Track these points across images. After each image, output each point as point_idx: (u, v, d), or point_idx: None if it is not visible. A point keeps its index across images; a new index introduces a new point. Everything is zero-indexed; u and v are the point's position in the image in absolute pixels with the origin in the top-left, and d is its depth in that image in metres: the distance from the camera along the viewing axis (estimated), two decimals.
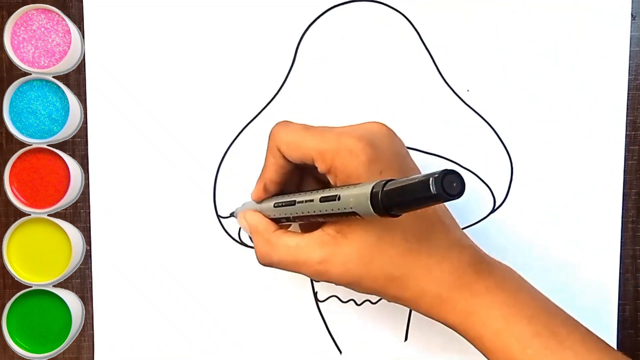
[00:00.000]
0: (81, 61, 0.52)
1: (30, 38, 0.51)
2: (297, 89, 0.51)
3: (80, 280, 0.53)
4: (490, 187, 0.52)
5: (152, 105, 0.52)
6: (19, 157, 0.51)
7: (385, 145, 0.39)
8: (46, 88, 0.52)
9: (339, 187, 0.38)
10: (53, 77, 0.51)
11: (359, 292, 0.40)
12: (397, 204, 0.33)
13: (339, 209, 0.36)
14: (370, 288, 0.40)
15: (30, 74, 0.51)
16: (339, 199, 0.36)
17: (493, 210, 0.52)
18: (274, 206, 0.42)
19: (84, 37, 0.51)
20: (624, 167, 0.52)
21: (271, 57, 0.51)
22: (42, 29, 0.51)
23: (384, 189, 0.33)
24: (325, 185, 0.41)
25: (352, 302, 0.52)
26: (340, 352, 0.53)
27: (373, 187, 0.34)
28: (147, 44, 0.51)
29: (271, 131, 0.41)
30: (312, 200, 0.39)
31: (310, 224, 0.42)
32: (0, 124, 0.52)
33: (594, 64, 0.51)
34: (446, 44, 0.51)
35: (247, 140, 0.52)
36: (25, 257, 0.52)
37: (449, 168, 0.31)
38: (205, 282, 0.52)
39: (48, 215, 0.52)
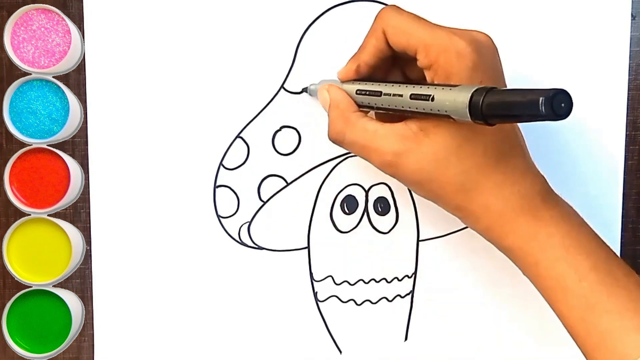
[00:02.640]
0: (81, 61, 0.52)
1: (30, 38, 0.51)
2: (297, 88, 0.51)
3: (80, 280, 0.53)
4: None
5: (152, 105, 0.52)
6: (19, 157, 0.51)
7: (489, 57, 0.39)
8: (46, 88, 0.52)
9: (432, 86, 0.37)
10: (53, 77, 0.51)
11: (419, 194, 0.40)
12: (497, 115, 0.32)
13: (431, 110, 0.36)
14: (435, 193, 0.40)
15: (30, 74, 0.51)
16: (432, 99, 0.36)
17: None
18: (357, 93, 0.41)
19: (84, 37, 0.51)
20: (624, 167, 0.52)
21: (271, 57, 0.51)
22: (42, 29, 0.51)
23: (486, 97, 0.32)
24: (410, 81, 0.41)
25: (352, 302, 0.52)
26: (340, 352, 0.53)
27: (473, 93, 0.33)
28: (147, 44, 0.51)
29: (379, 13, 0.41)
30: (401, 95, 0.38)
31: (388, 115, 0.42)
32: (0, 124, 0.52)
33: (594, 64, 0.51)
34: None
35: (248, 140, 0.52)
36: (25, 257, 0.52)
37: (558, 87, 0.30)
38: (205, 282, 0.52)
39: (48, 215, 0.52)
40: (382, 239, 0.52)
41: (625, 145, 0.52)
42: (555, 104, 0.30)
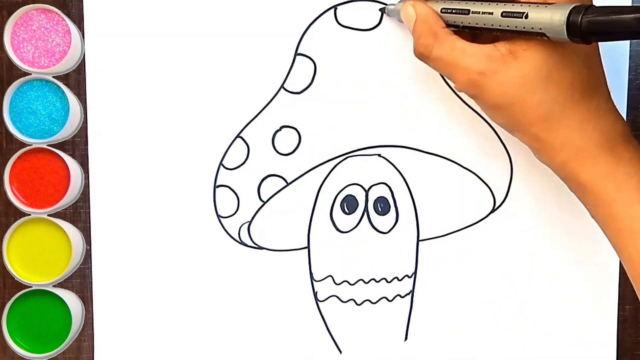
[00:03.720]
0: (81, 61, 0.52)
1: (30, 38, 0.51)
2: (298, 88, 0.51)
3: (80, 280, 0.53)
4: (490, 187, 0.52)
5: (152, 105, 0.52)
6: (19, 157, 0.51)
7: None
8: (46, 88, 0.52)
9: (524, 3, 0.36)
10: (53, 77, 0.51)
11: (498, 120, 0.40)
12: (596, 32, 0.32)
13: (524, 27, 0.35)
14: (515, 119, 0.39)
15: (30, 74, 0.51)
16: (526, 17, 0.35)
17: (493, 210, 0.52)
18: (442, 11, 0.41)
19: (84, 37, 0.51)
20: None
21: (271, 57, 0.51)
22: (42, 29, 0.51)
23: (585, 14, 0.32)
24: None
25: (352, 302, 0.52)
26: (340, 352, 0.53)
27: (571, 11, 0.33)
28: (147, 44, 0.51)
29: None
30: (491, 13, 0.37)
31: (475, 35, 0.41)
32: (0, 124, 0.52)
33: None
34: None
35: (248, 140, 0.52)
36: (25, 257, 0.52)
37: None
38: (205, 282, 0.52)
39: (48, 215, 0.52)
40: (382, 239, 0.52)
41: None
42: None
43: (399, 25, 0.51)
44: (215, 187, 0.52)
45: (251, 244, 0.52)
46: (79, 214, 0.52)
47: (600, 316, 0.52)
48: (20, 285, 0.52)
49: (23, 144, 0.51)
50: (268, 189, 0.52)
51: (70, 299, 0.52)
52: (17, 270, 0.52)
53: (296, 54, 0.51)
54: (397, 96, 0.51)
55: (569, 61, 0.37)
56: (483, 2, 0.39)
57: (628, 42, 0.51)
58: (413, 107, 0.51)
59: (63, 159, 0.51)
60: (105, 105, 0.52)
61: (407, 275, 0.52)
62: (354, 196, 0.52)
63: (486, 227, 0.52)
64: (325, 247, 0.52)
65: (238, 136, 0.52)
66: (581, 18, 0.33)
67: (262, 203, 0.52)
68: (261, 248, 0.52)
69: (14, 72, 0.51)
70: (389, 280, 0.52)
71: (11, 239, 0.52)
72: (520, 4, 0.37)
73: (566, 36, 0.33)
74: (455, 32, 0.41)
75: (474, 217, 0.52)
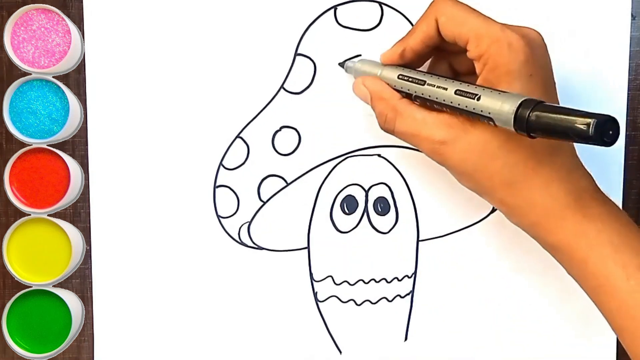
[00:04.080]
0: (81, 61, 0.52)
1: (30, 38, 0.51)
2: (297, 88, 0.51)
3: (80, 280, 0.53)
4: None
5: (152, 105, 0.52)
6: (19, 157, 0.51)
7: (540, 53, 0.39)
8: (46, 88, 0.52)
9: (479, 86, 0.37)
10: (53, 77, 0.51)
11: (466, 185, 0.41)
12: (541, 129, 0.32)
13: (474, 109, 0.36)
14: (480, 184, 0.40)
15: (30, 74, 0.51)
16: (478, 99, 0.36)
17: (493, 210, 0.52)
18: (399, 77, 0.41)
19: (84, 37, 0.51)
20: (624, 167, 0.52)
21: (271, 57, 0.51)
22: (42, 29, 0.51)
23: (533, 111, 0.32)
24: (453, 75, 0.41)
25: (352, 302, 0.53)
26: (340, 352, 0.53)
27: (520, 104, 0.33)
28: (147, 44, 0.51)
29: (433, 1, 0.41)
30: (445, 89, 0.38)
31: (424, 105, 0.42)
32: (0, 124, 0.52)
33: (594, 64, 0.51)
34: None
35: (248, 140, 0.52)
36: (25, 257, 0.52)
37: (607, 114, 0.30)
38: (205, 282, 0.52)
39: (48, 215, 0.52)
40: (382, 239, 0.52)
41: (625, 145, 0.52)
42: (604, 130, 0.30)
43: (398, 25, 0.51)
44: (215, 187, 0.52)
45: (251, 244, 0.52)
46: (79, 214, 0.52)
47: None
48: (20, 285, 0.52)
49: (23, 144, 0.51)
50: (268, 189, 0.52)
51: (70, 299, 0.52)
52: (17, 270, 0.52)
53: (296, 54, 0.51)
54: None
55: None
56: (440, 77, 0.40)
57: (628, 42, 0.51)
58: None
59: (63, 159, 0.51)
60: (105, 105, 0.52)
61: (407, 276, 0.52)
62: (353, 196, 0.52)
63: (486, 227, 0.52)
64: (325, 247, 0.52)
65: (238, 136, 0.52)
66: (529, 113, 0.33)
67: (262, 203, 0.52)
68: (261, 248, 0.52)
69: (14, 72, 0.51)
70: (388, 280, 0.52)
71: (11, 239, 0.52)
72: (475, 86, 0.37)
73: (512, 127, 0.34)
74: (412, 101, 0.42)
75: (474, 217, 0.52)
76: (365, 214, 0.52)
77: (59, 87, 0.51)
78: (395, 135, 0.42)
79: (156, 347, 0.53)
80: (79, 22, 0.52)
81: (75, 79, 0.52)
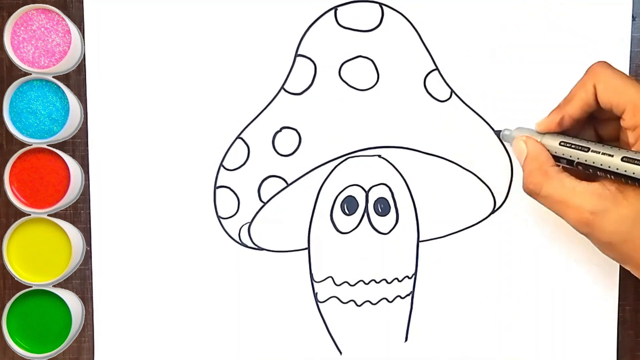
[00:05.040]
0: (81, 61, 0.52)
1: (30, 38, 0.51)
2: (298, 89, 0.51)
3: (80, 280, 0.53)
4: (490, 187, 0.52)
5: (153, 105, 0.51)
6: (19, 157, 0.51)
7: None
8: (46, 88, 0.52)
9: None
10: (53, 77, 0.51)
11: (610, 255, 0.40)
12: None
13: None
14: (628, 255, 0.40)
15: (30, 74, 0.51)
16: None
17: (493, 211, 0.52)
18: (560, 144, 0.41)
19: (84, 37, 0.51)
20: None
21: (271, 57, 0.51)
22: (42, 29, 0.51)
23: None
24: (597, 139, 0.41)
25: (352, 303, 0.53)
26: (340, 352, 0.53)
27: None
28: (147, 44, 0.51)
29: (591, 67, 0.41)
30: (611, 155, 0.38)
31: (582, 174, 0.42)
32: (0, 124, 0.52)
33: None
34: (446, 43, 0.51)
35: (248, 141, 0.52)
36: (25, 257, 0.52)
37: None
38: (205, 282, 0.52)
39: (48, 215, 0.52)
40: (382, 240, 0.52)
41: None
42: None
43: (399, 26, 0.51)
44: (216, 188, 0.52)
45: (251, 244, 0.52)
46: (79, 214, 0.52)
47: (600, 316, 0.52)
48: (20, 285, 0.52)
49: (23, 144, 0.51)
50: (268, 189, 0.52)
51: (70, 299, 0.52)
52: (17, 270, 0.52)
53: (296, 55, 0.51)
54: (397, 97, 0.51)
55: None
56: (604, 145, 0.40)
57: (628, 43, 0.51)
58: (413, 108, 0.51)
59: (63, 159, 0.51)
60: (105, 105, 0.52)
61: (407, 276, 0.52)
62: (354, 197, 0.52)
63: (486, 228, 0.52)
64: (326, 248, 0.52)
65: (238, 137, 0.52)
66: None
67: (262, 204, 0.52)
68: (261, 249, 0.52)
69: (14, 72, 0.51)
70: (389, 281, 0.52)
71: (11, 239, 0.52)
72: None
73: None
74: (565, 170, 0.42)
75: (474, 218, 0.52)
76: (365, 215, 0.52)
77: (59, 87, 0.51)
78: (539, 198, 0.41)
79: (156, 348, 0.53)
80: (79, 22, 0.51)
81: (75, 79, 0.52)
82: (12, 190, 0.52)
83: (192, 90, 0.51)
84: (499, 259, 0.52)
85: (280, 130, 0.51)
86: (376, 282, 0.52)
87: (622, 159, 0.38)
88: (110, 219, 0.52)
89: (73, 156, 0.52)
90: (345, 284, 0.52)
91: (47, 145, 0.51)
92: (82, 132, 0.52)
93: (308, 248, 0.52)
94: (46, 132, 0.52)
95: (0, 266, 0.52)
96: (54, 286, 0.52)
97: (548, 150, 0.43)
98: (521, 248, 0.52)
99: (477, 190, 0.52)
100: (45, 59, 0.51)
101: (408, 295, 0.52)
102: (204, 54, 0.51)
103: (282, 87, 0.51)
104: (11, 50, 0.51)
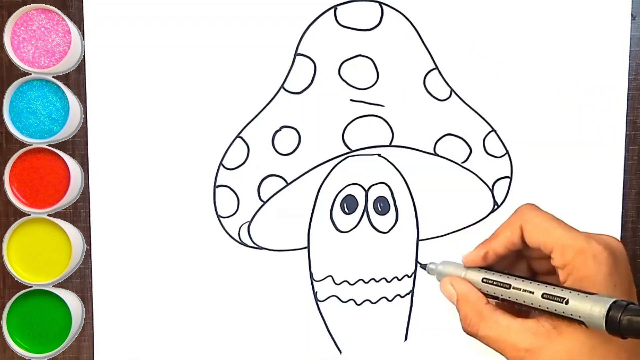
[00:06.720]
0: (81, 61, 0.52)
1: (30, 38, 0.51)
2: (298, 88, 0.51)
3: (80, 280, 0.53)
4: (490, 187, 0.52)
5: (152, 105, 0.52)
6: (19, 157, 0.51)
7: (622, 262, 0.40)
8: (46, 88, 0.52)
9: (565, 289, 0.38)
10: (53, 77, 0.51)
11: None
12: (635, 331, 0.34)
13: (563, 312, 0.37)
14: None
15: (30, 74, 0.51)
16: (567, 302, 0.37)
17: (493, 211, 0.52)
18: (482, 281, 0.42)
19: (84, 37, 0.51)
20: (624, 167, 0.52)
21: (271, 56, 0.51)
22: (42, 29, 0.51)
23: (624, 314, 0.34)
24: (533, 275, 0.42)
25: (352, 301, 0.52)
26: (340, 352, 0.53)
27: (611, 306, 0.34)
28: (147, 44, 0.51)
29: (519, 208, 0.42)
30: (532, 292, 0.39)
31: (509, 306, 0.43)
32: (0, 124, 0.52)
33: (594, 64, 0.51)
34: (446, 43, 0.51)
35: (248, 140, 0.52)
36: (25, 257, 0.52)
37: None
38: (205, 281, 0.52)
39: (48, 215, 0.52)
40: (382, 239, 0.52)
41: (625, 145, 0.52)
42: None
43: (398, 25, 0.51)
44: (215, 187, 0.52)
45: (251, 244, 0.52)
46: (79, 214, 0.52)
47: None
48: (20, 285, 0.52)
49: (23, 144, 0.51)
50: (268, 189, 0.52)
51: (70, 299, 0.52)
52: (17, 270, 0.52)
53: (296, 54, 0.51)
54: (397, 96, 0.51)
55: (614, 338, 0.38)
56: (525, 280, 0.40)
57: (628, 42, 0.51)
58: (413, 107, 0.51)
59: (63, 159, 0.51)
60: (105, 105, 0.52)
61: (407, 275, 0.52)
62: (353, 196, 0.52)
63: (486, 227, 0.52)
64: (325, 247, 0.52)
65: (238, 136, 0.52)
66: (620, 315, 0.34)
67: (262, 203, 0.52)
68: (261, 248, 0.52)
69: (14, 72, 0.51)
70: (388, 280, 0.52)
71: (11, 239, 0.52)
72: (561, 289, 0.38)
73: (604, 329, 0.35)
74: (497, 305, 0.43)
75: (473, 217, 0.52)
76: (365, 214, 0.52)
77: (59, 87, 0.51)
78: (478, 338, 0.42)
79: (156, 347, 0.53)
80: (79, 22, 0.52)
81: (75, 79, 0.52)
82: (12, 190, 0.52)
83: (192, 90, 0.51)
84: None
85: (279, 130, 0.51)
86: (376, 281, 0.52)
87: (542, 296, 0.38)
88: (110, 219, 0.52)
89: (73, 156, 0.52)
90: (345, 283, 0.52)
91: (47, 145, 0.51)
92: (82, 132, 0.52)
93: (308, 247, 0.52)
94: (46, 132, 0.52)
95: (0, 266, 0.52)
96: (54, 286, 0.52)
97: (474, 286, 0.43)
98: None
99: (477, 190, 0.52)
100: (45, 59, 0.51)
101: (408, 294, 0.52)
102: (203, 53, 0.51)
103: (282, 86, 0.51)
104: (11, 50, 0.51)
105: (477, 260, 0.43)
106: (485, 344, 0.42)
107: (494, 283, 0.42)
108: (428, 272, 0.47)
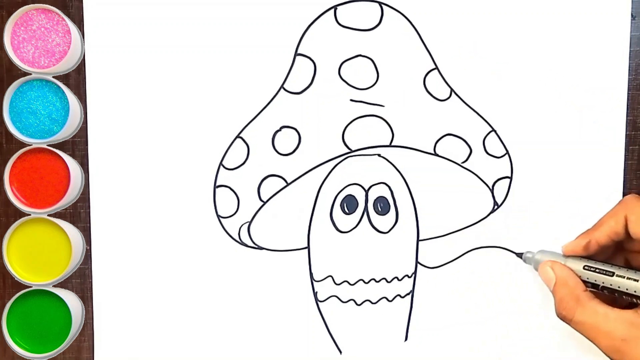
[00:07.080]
0: (81, 61, 0.52)
1: (30, 38, 0.51)
2: (298, 88, 0.51)
3: (80, 280, 0.53)
4: (491, 187, 0.52)
5: (152, 105, 0.52)
6: (19, 157, 0.51)
7: None
8: (46, 88, 0.52)
9: None
10: (53, 77, 0.51)
11: None
12: None
13: None
14: None
15: (30, 74, 0.51)
16: None
17: (493, 211, 0.52)
18: (584, 268, 0.42)
19: (84, 37, 0.51)
20: (624, 167, 0.52)
21: (271, 56, 0.51)
22: (42, 29, 0.51)
23: None
24: (634, 269, 0.42)
25: (352, 302, 0.52)
26: (340, 352, 0.53)
27: None
28: (147, 44, 0.51)
29: (624, 198, 0.42)
30: (636, 280, 0.39)
31: (607, 297, 0.42)
32: (0, 124, 0.52)
33: (594, 64, 0.51)
34: (446, 43, 0.51)
35: (248, 140, 0.52)
36: (25, 257, 0.52)
37: None
38: (205, 281, 0.52)
39: (48, 215, 0.52)
40: (382, 239, 0.52)
41: (625, 145, 0.52)
42: None
43: (398, 25, 0.51)
44: (215, 187, 0.52)
45: (251, 244, 0.52)
46: (79, 214, 0.52)
47: None
48: (20, 285, 0.52)
49: (23, 144, 0.51)
50: (268, 189, 0.52)
51: (70, 299, 0.52)
52: (17, 270, 0.52)
53: (296, 54, 0.51)
54: (397, 96, 0.51)
55: None
56: (629, 270, 0.41)
57: (628, 42, 0.51)
58: (413, 107, 0.51)
59: (63, 159, 0.51)
60: (105, 105, 0.52)
61: (407, 275, 0.52)
62: (353, 196, 0.52)
63: (486, 227, 0.52)
64: (325, 247, 0.52)
65: (238, 136, 0.52)
66: None
67: (262, 203, 0.52)
68: (261, 248, 0.52)
69: (14, 72, 0.51)
70: (389, 280, 0.52)
71: (11, 239, 0.52)
72: None
73: None
74: (594, 294, 0.42)
75: (474, 217, 0.52)
76: (365, 214, 0.52)
77: (59, 87, 0.51)
78: (572, 324, 0.42)
79: (156, 347, 0.53)
80: (79, 22, 0.52)
81: (75, 79, 0.52)
82: (12, 190, 0.52)
83: (192, 90, 0.51)
84: (499, 258, 0.52)
85: (280, 130, 0.51)
86: (376, 281, 0.52)
87: None
88: (110, 219, 0.52)
89: (73, 156, 0.52)
90: (345, 283, 0.52)
91: (47, 145, 0.51)
92: (82, 132, 0.52)
93: (308, 247, 0.52)
94: (46, 132, 0.52)
95: (0, 266, 0.52)
96: (54, 286, 0.52)
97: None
98: (521, 247, 0.52)
99: (477, 190, 0.52)
100: (45, 59, 0.51)
101: (408, 294, 0.52)
102: (203, 53, 0.51)
103: (282, 86, 0.51)
104: (11, 50, 0.51)
105: (577, 249, 0.43)
106: (578, 331, 0.42)
107: (597, 270, 0.41)
108: (524, 261, 0.47)
